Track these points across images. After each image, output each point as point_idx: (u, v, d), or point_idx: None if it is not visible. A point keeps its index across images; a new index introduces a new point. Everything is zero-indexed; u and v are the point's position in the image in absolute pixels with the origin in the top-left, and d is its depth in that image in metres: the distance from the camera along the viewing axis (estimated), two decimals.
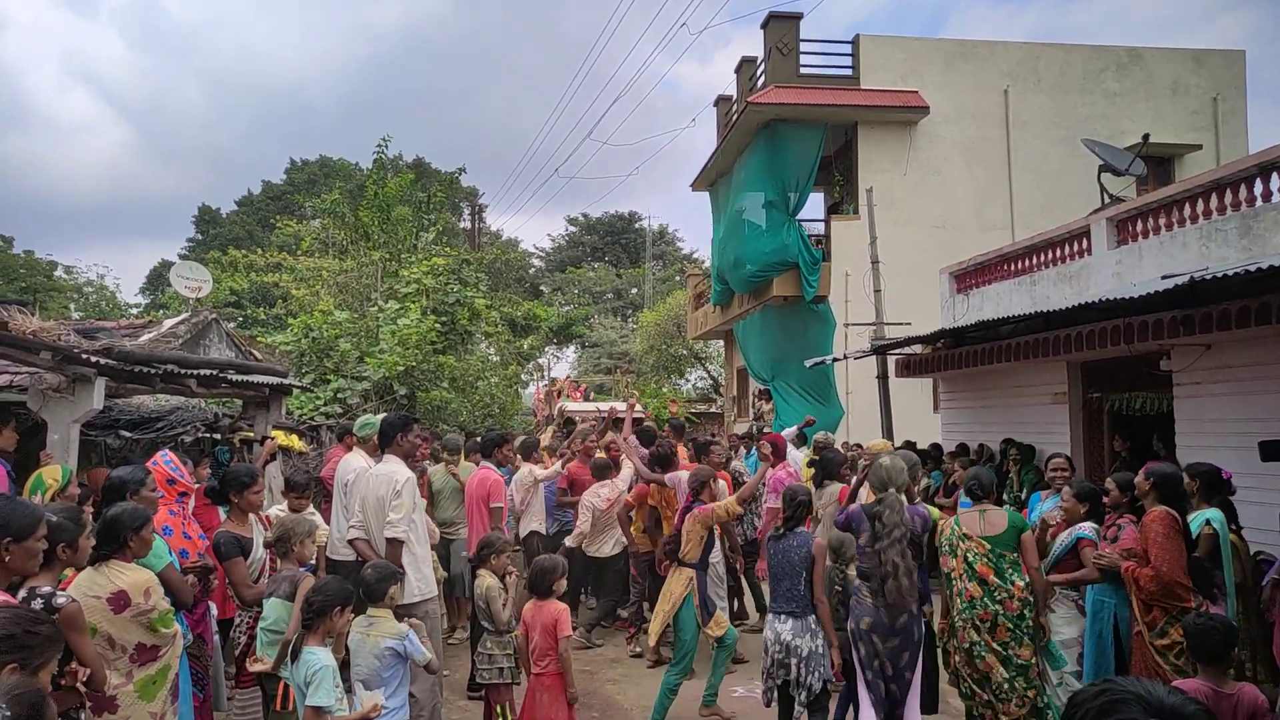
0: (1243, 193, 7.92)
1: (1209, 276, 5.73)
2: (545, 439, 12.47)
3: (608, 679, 7.07)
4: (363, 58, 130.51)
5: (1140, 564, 4.74)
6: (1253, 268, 5.42)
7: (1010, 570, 5.07)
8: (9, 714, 1.94)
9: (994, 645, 5.00)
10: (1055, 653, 5.19)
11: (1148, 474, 4.91)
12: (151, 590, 3.81)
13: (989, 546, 5.11)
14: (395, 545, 5.02)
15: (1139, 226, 9.27)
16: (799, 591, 5.09)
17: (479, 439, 8.87)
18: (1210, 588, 4.75)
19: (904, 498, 4.99)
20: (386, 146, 18.80)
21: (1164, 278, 6.91)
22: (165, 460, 5.15)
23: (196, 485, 5.70)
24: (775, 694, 5.24)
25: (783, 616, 5.14)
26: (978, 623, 5.07)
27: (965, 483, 5.55)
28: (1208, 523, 5.12)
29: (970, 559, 5.15)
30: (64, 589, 3.70)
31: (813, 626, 5.08)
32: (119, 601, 3.70)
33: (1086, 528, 5.32)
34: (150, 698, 3.81)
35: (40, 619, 2.66)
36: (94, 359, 6.50)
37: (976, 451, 10.46)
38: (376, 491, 5.15)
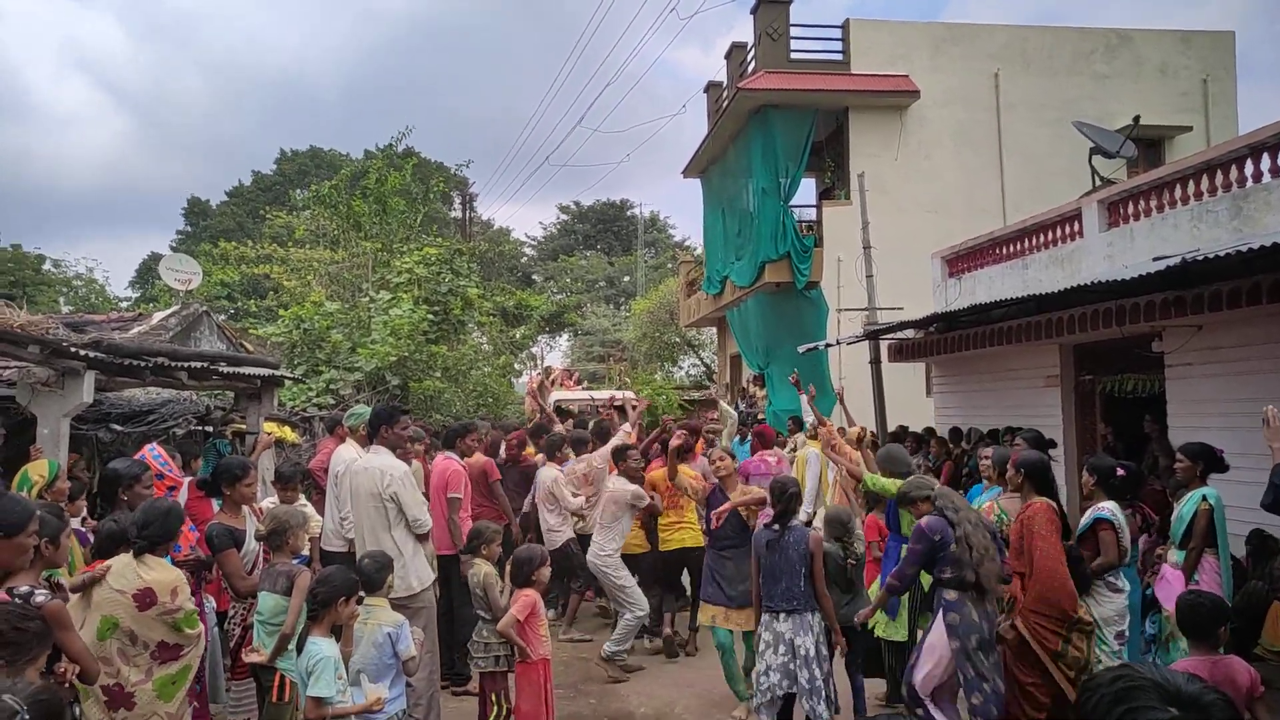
0: (1233, 174, 7.92)
1: (1200, 258, 5.74)
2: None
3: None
4: (360, 47, 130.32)
5: (1020, 563, 4.69)
6: (1244, 248, 5.43)
7: None
8: (28, 717, 1.93)
9: None
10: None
11: (1017, 465, 4.84)
12: (179, 590, 3.80)
13: None
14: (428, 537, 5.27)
15: (1130, 209, 9.28)
16: (799, 588, 4.91)
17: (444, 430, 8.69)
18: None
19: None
20: (406, 136, 18.80)
21: (1155, 259, 6.91)
22: (154, 454, 5.13)
23: (186, 479, 5.68)
24: (774, 708, 4.92)
25: (781, 615, 4.93)
26: None
27: (996, 466, 5.44)
28: (1204, 499, 5.14)
29: None
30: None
31: (811, 623, 4.90)
32: (145, 599, 3.69)
33: (1105, 508, 5.13)
34: (169, 698, 3.79)
35: (28, 615, 2.65)
36: (83, 352, 6.45)
37: (967, 435, 10.47)
38: (367, 487, 5.12)
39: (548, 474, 7.69)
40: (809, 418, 9.14)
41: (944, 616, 4.61)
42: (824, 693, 4.83)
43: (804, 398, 8.75)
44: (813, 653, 4.85)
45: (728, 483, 6.09)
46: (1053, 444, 8.27)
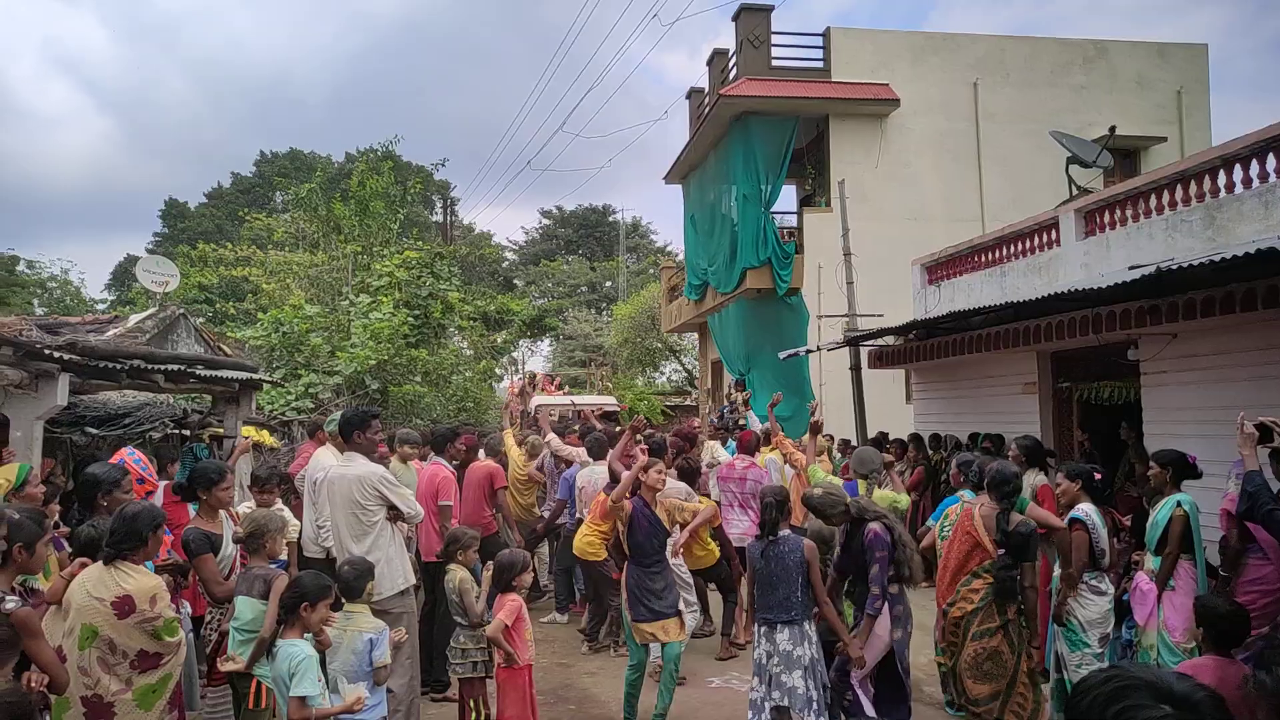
0: (1207, 184, 8.02)
1: (1175, 267, 5.81)
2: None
3: (584, 671, 7.07)
4: (347, 50, 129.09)
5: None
6: (1217, 258, 5.50)
7: None
8: None
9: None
10: (1075, 635, 5.13)
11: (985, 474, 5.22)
12: (158, 597, 3.73)
13: None
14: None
15: (1106, 218, 9.38)
16: (796, 597, 4.85)
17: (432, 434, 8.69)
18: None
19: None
20: (395, 143, 18.87)
21: (1131, 268, 7.00)
22: (134, 458, 5.07)
23: (162, 483, 5.62)
24: None
25: (778, 626, 4.86)
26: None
27: (963, 473, 5.55)
28: (1178, 505, 5.21)
29: None
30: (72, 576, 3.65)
31: (808, 632, 4.86)
32: (124, 606, 3.62)
33: (1081, 509, 5.27)
34: (148, 707, 3.73)
35: None
36: (57, 354, 6.38)
37: (944, 442, 10.53)
38: (344, 494, 5.06)
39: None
40: (767, 424, 9.12)
41: (890, 609, 4.91)
42: (819, 704, 4.78)
43: (767, 408, 8.78)
44: (810, 662, 4.81)
45: (651, 497, 5.68)
46: (1052, 454, 8.37)
